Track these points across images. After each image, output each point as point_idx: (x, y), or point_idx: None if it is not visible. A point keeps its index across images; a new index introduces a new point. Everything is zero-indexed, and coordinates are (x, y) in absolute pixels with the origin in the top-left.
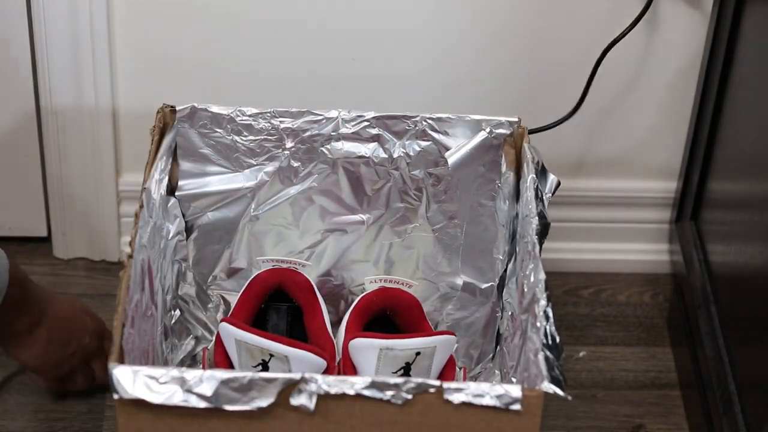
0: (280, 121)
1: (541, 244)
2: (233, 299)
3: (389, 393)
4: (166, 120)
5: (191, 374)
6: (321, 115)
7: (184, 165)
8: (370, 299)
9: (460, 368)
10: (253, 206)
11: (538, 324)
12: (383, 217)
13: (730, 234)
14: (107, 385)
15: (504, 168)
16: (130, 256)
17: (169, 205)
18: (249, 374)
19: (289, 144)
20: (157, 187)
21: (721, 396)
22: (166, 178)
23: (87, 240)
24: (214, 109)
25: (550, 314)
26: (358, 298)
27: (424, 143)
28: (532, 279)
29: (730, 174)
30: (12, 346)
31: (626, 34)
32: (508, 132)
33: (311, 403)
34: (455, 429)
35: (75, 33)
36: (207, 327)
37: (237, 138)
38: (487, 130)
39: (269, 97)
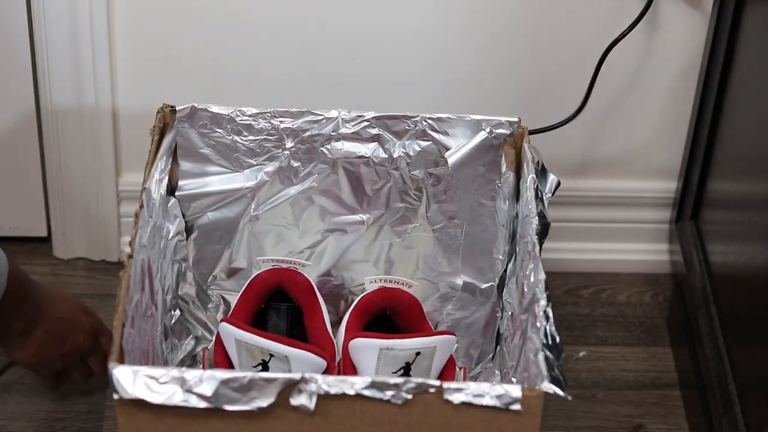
0: (280, 121)
1: (541, 244)
2: (233, 299)
3: (389, 393)
4: (166, 120)
5: (191, 374)
6: (321, 115)
7: (184, 165)
8: (370, 299)
9: (460, 368)
10: (253, 206)
11: (538, 324)
12: (383, 217)
13: (730, 234)
14: (105, 380)
15: (504, 168)
16: (130, 256)
17: (169, 205)
18: (249, 374)
19: (289, 144)
20: (157, 187)
21: (721, 396)
22: (166, 178)
23: (87, 240)
24: (214, 109)
25: (550, 314)
26: (358, 298)
27: (424, 143)
28: (532, 279)
29: (730, 174)
30: (7, 345)
31: (626, 34)
32: (508, 132)
33: (311, 403)
34: (455, 429)
35: (75, 33)
36: (207, 327)
37: (237, 138)
38: (487, 130)
39: (269, 97)
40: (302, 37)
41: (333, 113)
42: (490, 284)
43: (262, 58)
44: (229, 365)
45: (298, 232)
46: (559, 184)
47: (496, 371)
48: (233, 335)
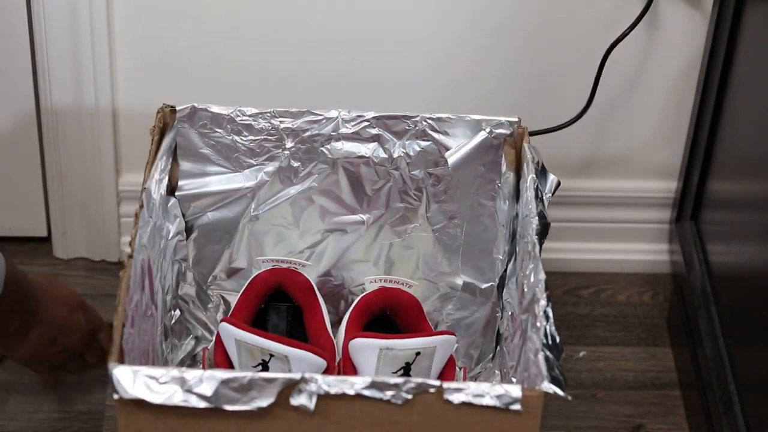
0: (280, 121)
1: (541, 244)
2: (233, 299)
3: (389, 393)
4: (166, 120)
5: (191, 374)
6: (321, 115)
7: (184, 165)
8: (370, 299)
9: (460, 368)
10: (253, 206)
11: (538, 324)
12: (383, 217)
13: (730, 234)
14: (103, 375)
15: (504, 168)
16: (130, 256)
17: (169, 205)
18: (249, 374)
19: (289, 144)
20: (157, 187)
21: (721, 396)
22: (166, 178)
23: (87, 240)
24: (214, 109)
25: (550, 314)
26: (358, 298)
27: (424, 143)
28: (532, 279)
29: (730, 174)
30: (2, 345)
31: (627, 34)
32: (508, 132)
33: (311, 403)
34: (455, 429)
35: (75, 33)
36: (207, 327)
37: (237, 138)
38: (487, 130)
39: (269, 97)
40: (302, 37)
41: (333, 113)
42: (490, 284)
43: (262, 58)
44: (229, 365)
45: (298, 232)
46: (559, 184)
47: (496, 371)
48: (233, 335)
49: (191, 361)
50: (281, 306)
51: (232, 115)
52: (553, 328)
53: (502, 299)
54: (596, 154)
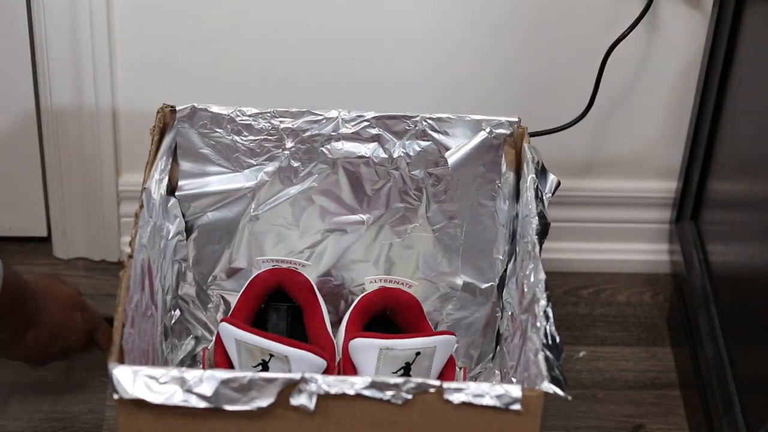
0: (280, 121)
1: (541, 244)
2: (233, 299)
3: (389, 393)
4: (166, 120)
5: (191, 374)
6: (321, 115)
7: (184, 165)
8: (370, 299)
9: (460, 368)
10: (253, 206)
11: (538, 324)
12: (383, 217)
13: (730, 234)
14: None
15: (504, 168)
16: (130, 256)
17: (169, 205)
18: (249, 374)
19: (289, 144)
20: (157, 187)
21: (721, 396)
22: (166, 178)
23: (87, 240)
24: (214, 109)
25: (550, 314)
26: (358, 298)
27: (424, 143)
28: (532, 279)
29: (730, 174)
30: None
31: (627, 34)
32: (508, 132)
33: (311, 403)
34: (455, 429)
35: (75, 33)
36: (207, 327)
37: (237, 138)
38: (487, 130)
39: (269, 97)
40: (302, 37)
41: (333, 113)
42: (490, 284)
43: (262, 58)
44: (229, 365)
45: (298, 232)
46: (559, 184)
47: (496, 371)
48: (233, 335)
49: (191, 361)
50: (281, 306)
51: (232, 115)
52: (553, 328)
53: (502, 299)
54: (596, 154)
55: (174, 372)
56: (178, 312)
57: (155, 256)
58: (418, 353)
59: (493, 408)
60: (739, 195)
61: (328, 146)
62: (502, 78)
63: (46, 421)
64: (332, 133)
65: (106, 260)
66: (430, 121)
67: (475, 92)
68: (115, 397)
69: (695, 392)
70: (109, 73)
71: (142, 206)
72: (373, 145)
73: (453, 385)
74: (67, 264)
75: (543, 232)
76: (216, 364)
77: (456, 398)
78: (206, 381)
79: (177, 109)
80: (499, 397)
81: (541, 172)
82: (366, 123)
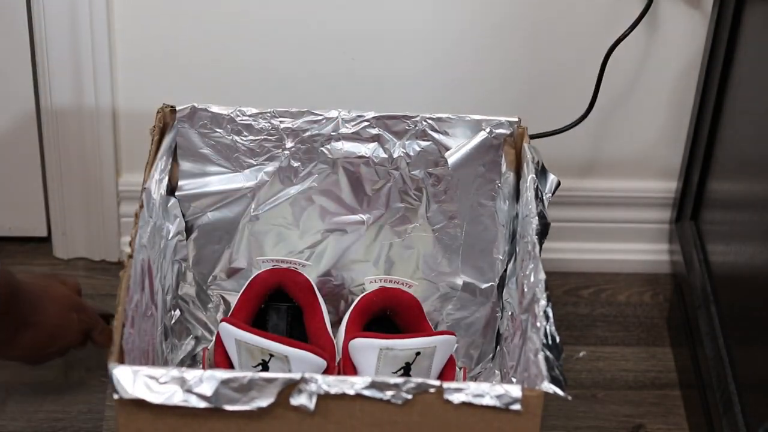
0: (280, 121)
1: (541, 244)
2: (233, 299)
3: (389, 393)
4: (166, 120)
5: (191, 374)
6: (321, 115)
7: (184, 165)
8: (370, 299)
9: (460, 368)
10: (253, 206)
11: (538, 324)
12: (383, 217)
13: (730, 234)
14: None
15: (504, 168)
16: (130, 256)
17: (169, 205)
18: (249, 374)
19: (289, 144)
20: (157, 187)
21: (721, 396)
22: (166, 178)
23: (87, 240)
24: (214, 109)
25: (550, 314)
26: (358, 298)
27: (424, 143)
28: (532, 279)
29: (730, 174)
30: None
31: (627, 35)
32: (508, 132)
33: (311, 403)
34: (455, 429)
35: (75, 33)
36: (207, 327)
37: (237, 138)
38: (487, 130)
39: (269, 97)
40: (302, 37)
41: (333, 113)
42: (490, 284)
43: (262, 58)
44: (229, 365)
45: (298, 232)
46: (559, 184)
47: (496, 371)
48: (233, 335)
49: (191, 361)
50: (281, 306)
51: (232, 115)
52: (553, 328)
53: (502, 299)
54: (596, 154)
55: (174, 372)
56: (178, 312)
57: (155, 256)
58: (418, 353)
59: (493, 408)
60: (739, 195)
61: (328, 146)
62: (502, 78)
63: (45, 421)
64: (332, 133)
65: (106, 260)
66: (430, 121)
67: (475, 92)
68: (115, 397)
69: (695, 392)
70: (109, 73)
71: (142, 206)
72: (373, 145)
73: (453, 385)
74: (67, 264)
75: (543, 232)
76: (216, 364)
77: (456, 398)
78: (206, 381)
79: (177, 109)
80: (499, 397)
81: (541, 172)
82: (366, 123)
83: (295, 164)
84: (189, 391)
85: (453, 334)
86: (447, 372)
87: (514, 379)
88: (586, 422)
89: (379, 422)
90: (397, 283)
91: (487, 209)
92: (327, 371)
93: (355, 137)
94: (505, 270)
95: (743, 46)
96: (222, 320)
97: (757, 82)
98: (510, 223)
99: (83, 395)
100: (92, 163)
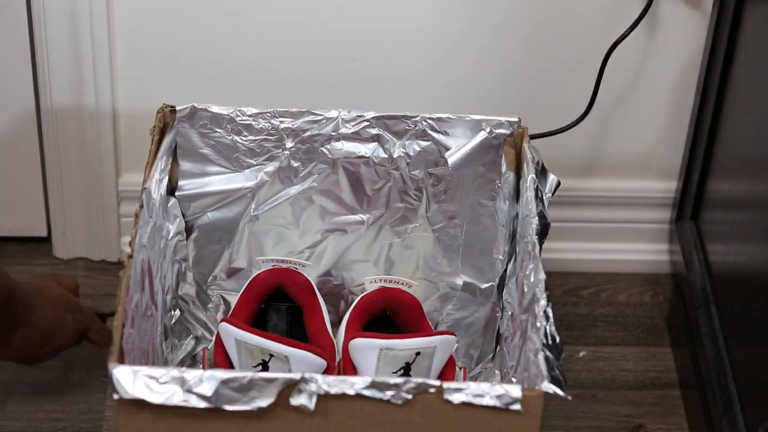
0: (280, 121)
1: (541, 244)
2: (233, 299)
3: (389, 393)
4: (166, 120)
5: (191, 374)
6: (321, 115)
7: (184, 165)
8: (370, 299)
9: (460, 368)
10: (253, 206)
11: (538, 324)
12: (383, 217)
13: (730, 234)
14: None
15: (504, 168)
16: (130, 256)
17: (169, 205)
18: (249, 374)
19: (289, 144)
20: (157, 187)
21: (721, 396)
22: (166, 178)
23: (87, 240)
24: (214, 109)
25: (550, 314)
26: (358, 298)
27: (424, 143)
28: (532, 279)
29: (730, 174)
30: None
31: (627, 35)
32: (508, 132)
33: (311, 403)
34: (455, 429)
35: (75, 33)
36: (207, 327)
37: (237, 138)
38: (487, 130)
39: (269, 97)
40: (302, 37)
41: (333, 113)
42: (490, 284)
43: (262, 58)
44: (229, 365)
45: (298, 232)
46: (559, 184)
47: (496, 371)
48: (233, 335)
49: (191, 361)
50: (281, 306)
51: (232, 115)
52: (553, 328)
53: (502, 299)
54: (596, 154)
55: (174, 372)
56: (178, 312)
57: (155, 256)
58: (418, 353)
59: (493, 408)
60: (739, 195)
61: (328, 146)
62: (502, 78)
63: (45, 421)
64: (332, 133)
65: (106, 260)
66: (430, 121)
67: (475, 92)
68: (115, 397)
69: (695, 392)
70: (109, 73)
71: (142, 206)
72: (373, 145)
73: (453, 385)
74: (67, 264)
75: (543, 232)
76: (216, 364)
77: (456, 398)
78: (206, 381)
79: (177, 109)
80: (499, 397)
81: (541, 172)
82: (366, 123)
83: (295, 164)
84: (189, 391)
85: (453, 334)
86: (447, 372)
87: (514, 379)
88: (586, 422)
89: (379, 422)
90: (397, 283)
91: (487, 209)
92: (327, 371)
93: (355, 137)
94: (505, 270)
95: (743, 46)
96: (222, 320)
97: (757, 82)
98: (510, 223)
99: (83, 395)
100: (92, 163)
